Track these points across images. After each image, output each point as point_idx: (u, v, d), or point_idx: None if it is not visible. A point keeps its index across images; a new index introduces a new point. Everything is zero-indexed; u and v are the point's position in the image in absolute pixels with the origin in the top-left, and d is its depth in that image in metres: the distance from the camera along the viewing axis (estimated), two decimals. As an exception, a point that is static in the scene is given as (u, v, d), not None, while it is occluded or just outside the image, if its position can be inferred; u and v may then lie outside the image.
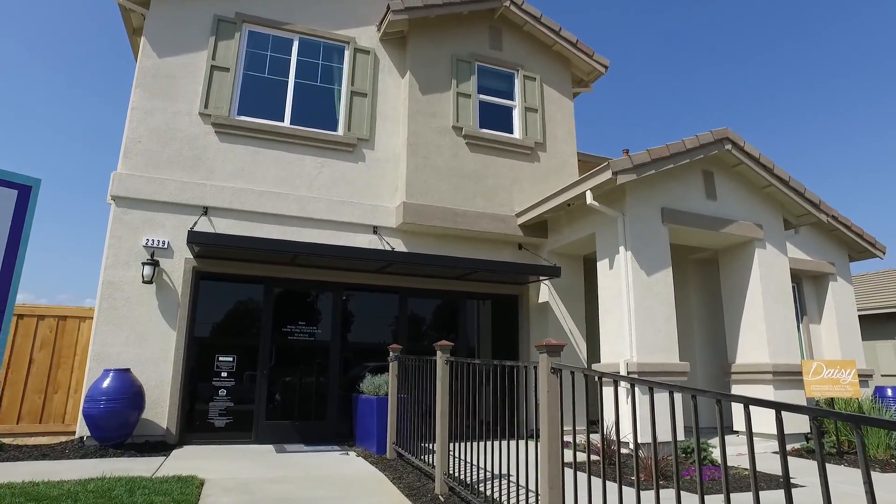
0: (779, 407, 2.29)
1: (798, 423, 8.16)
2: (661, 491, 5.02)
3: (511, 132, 9.79)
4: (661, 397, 7.09)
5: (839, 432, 8.01)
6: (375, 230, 8.73)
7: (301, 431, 7.86)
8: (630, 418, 3.74)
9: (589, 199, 7.59)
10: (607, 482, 3.23)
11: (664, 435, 6.29)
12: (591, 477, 2.99)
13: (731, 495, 5.19)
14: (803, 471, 6.45)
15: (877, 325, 16.06)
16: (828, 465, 6.77)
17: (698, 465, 2.38)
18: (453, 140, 9.23)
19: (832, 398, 7.66)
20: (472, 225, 8.88)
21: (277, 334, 8.07)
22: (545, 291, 9.27)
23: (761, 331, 8.33)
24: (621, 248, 7.57)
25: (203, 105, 8.13)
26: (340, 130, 8.92)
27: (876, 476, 6.13)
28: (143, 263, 7.36)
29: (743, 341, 8.61)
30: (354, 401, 7.77)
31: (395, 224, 8.77)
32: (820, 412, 2.05)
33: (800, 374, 8.09)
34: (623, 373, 7.23)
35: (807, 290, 11.07)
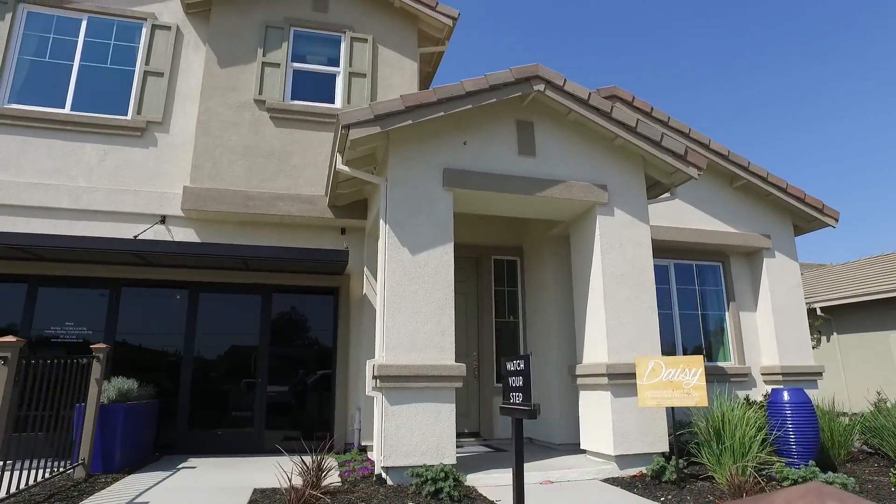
0: None
1: (651, 440, 6.22)
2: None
3: (333, 102, 8.49)
4: (424, 407, 5.56)
5: (687, 453, 6.07)
6: (163, 220, 7.75)
7: None
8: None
9: (339, 163, 6.18)
10: None
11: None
12: None
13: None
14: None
15: None
16: (663, 498, 4.93)
17: None
18: (254, 115, 8.08)
19: (672, 407, 5.69)
20: (267, 208, 7.66)
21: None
22: (365, 282, 7.86)
23: (601, 322, 6.49)
24: (381, 222, 6.08)
25: (-43, 92, 7.53)
26: (129, 114, 8.04)
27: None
28: None
29: (588, 336, 6.77)
30: None
31: (180, 212, 7.76)
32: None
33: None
34: (370, 376, 5.74)
35: (735, 269, 8.83)
